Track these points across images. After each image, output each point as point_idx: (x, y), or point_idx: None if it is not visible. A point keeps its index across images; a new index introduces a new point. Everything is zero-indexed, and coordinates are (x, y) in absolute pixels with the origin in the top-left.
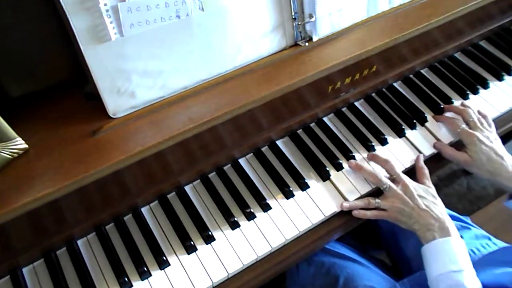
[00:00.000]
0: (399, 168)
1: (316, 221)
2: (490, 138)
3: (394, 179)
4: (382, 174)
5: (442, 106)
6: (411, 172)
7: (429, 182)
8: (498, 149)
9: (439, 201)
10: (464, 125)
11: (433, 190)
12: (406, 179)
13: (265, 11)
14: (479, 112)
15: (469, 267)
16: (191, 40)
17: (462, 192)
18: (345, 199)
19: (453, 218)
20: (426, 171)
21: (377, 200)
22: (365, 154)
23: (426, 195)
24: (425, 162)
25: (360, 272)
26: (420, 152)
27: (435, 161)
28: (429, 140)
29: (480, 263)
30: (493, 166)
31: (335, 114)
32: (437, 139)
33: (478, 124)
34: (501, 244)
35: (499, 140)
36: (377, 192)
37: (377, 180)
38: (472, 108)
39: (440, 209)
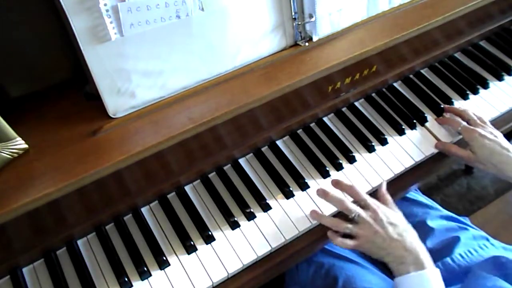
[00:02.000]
0: (399, 168)
1: (316, 221)
2: (493, 132)
3: (362, 205)
4: (349, 201)
5: (442, 106)
6: (412, 172)
7: (395, 207)
8: (502, 142)
9: (409, 226)
10: (464, 123)
11: (401, 215)
12: (375, 204)
13: (265, 11)
14: (475, 114)
15: None
16: (191, 40)
17: (462, 192)
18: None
19: (451, 218)
20: (389, 197)
21: (348, 225)
22: (365, 154)
23: (397, 222)
24: (425, 161)
25: (360, 274)
26: (421, 151)
27: (435, 160)
28: (429, 140)
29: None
30: (498, 159)
31: (335, 114)
32: (437, 139)
33: (478, 121)
34: (499, 244)
35: (501, 135)
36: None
37: (344, 207)
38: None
39: (412, 237)
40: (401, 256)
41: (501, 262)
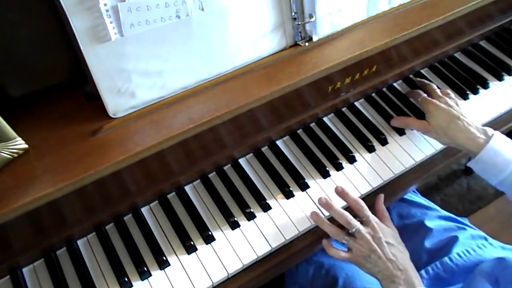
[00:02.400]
0: (399, 168)
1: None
2: (449, 102)
3: (363, 221)
4: (351, 216)
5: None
6: (411, 172)
7: (391, 224)
8: (454, 110)
9: (403, 247)
10: (424, 95)
11: (397, 233)
12: (375, 222)
13: (265, 11)
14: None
15: None
16: (191, 40)
17: (462, 192)
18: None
19: (449, 219)
20: (387, 213)
21: (346, 237)
22: (365, 154)
23: (394, 242)
24: (425, 161)
25: (360, 274)
26: (421, 151)
27: (435, 160)
28: (430, 139)
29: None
30: (449, 128)
31: (335, 114)
32: None
33: (439, 92)
34: (497, 244)
35: (459, 104)
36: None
37: (346, 222)
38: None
39: (405, 258)
40: (393, 275)
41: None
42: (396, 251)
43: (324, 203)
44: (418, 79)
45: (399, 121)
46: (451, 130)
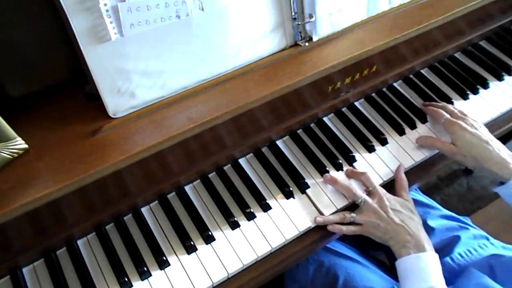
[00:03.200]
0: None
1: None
2: (474, 125)
3: (370, 191)
4: (357, 187)
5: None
6: (412, 172)
7: (407, 195)
8: (483, 134)
9: (416, 215)
10: (447, 115)
11: (410, 203)
12: (381, 192)
13: (265, 11)
14: (455, 108)
15: (441, 283)
16: (191, 40)
17: (462, 192)
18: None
19: (451, 218)
20: (405, 183)
21: (352, 215)
22: (365, 154)
23: (402, 209)
24: (425, 161)
25: (360, 272)
26: (421, 151)
27: (435, 160)
28: None
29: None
30: (478, 152)
31: (335, 114)
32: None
33: (460, 114)
34: (499, 244)
35: (484, 127)
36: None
37: (351, 194)
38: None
39: (415, 224)
40: (403, 240)
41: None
42: (405, 218)
43: (330, 179)
44: (429, 102)
45: (424, 140)
46: (480, 154)
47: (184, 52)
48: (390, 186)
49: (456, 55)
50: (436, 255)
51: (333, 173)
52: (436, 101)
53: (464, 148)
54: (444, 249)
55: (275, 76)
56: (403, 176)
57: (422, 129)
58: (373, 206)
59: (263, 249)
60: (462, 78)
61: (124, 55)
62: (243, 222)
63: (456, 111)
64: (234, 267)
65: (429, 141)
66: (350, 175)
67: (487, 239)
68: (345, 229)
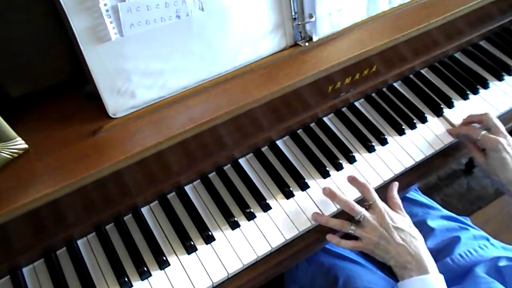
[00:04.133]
0: (399, 168)
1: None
2: (511, 144)
3: (370, 205)
4: (355, 203)
5: (442, 106)
6: (412, 172)
7: (403, 212)
8: None
9: (417, 233)
10: (483, 132)
11: (408, 220)
12: (382, 207)
13: (265, 11)
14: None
15: None
16: (191, 40)
17: (462, 192)
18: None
19: (451, 218)
20: (399, 200)
21: (352, 227)
22: (365, 154)
23: (404, 227)
24: (425, 161)
25: (360, 273)
26: (421, 151)
27: (435, 160)
28: (430, 139)
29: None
30: (505, 174)
31: (335, 114)
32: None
33: (500, 129)
34: (499, 244)
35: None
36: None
37: (350, 209)
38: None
39: (417, 243)
40: (405, 261)
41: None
42: (407, 236)
43: (328, 192)
44: (468, 116)
45: (458, 131)
46: (505, 178)
47: (184, 52)
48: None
49: (456, 55)
50: (441, 276)
51: (333, 173)
52: (436, 101)
53: (494, 167)
54: (444, 249)
55: (275, 76)
56: (396, 195)
57: (422, 129)
58: (373, 223)
59: (263, 249)
60: (462, 78)
61: (124, 55)
62: (243, 222)
63: (497, 123)
64: (234, 267)
65: (468, 146)
66: (351, 181)
67: (487, 239)
68: (343, 242)
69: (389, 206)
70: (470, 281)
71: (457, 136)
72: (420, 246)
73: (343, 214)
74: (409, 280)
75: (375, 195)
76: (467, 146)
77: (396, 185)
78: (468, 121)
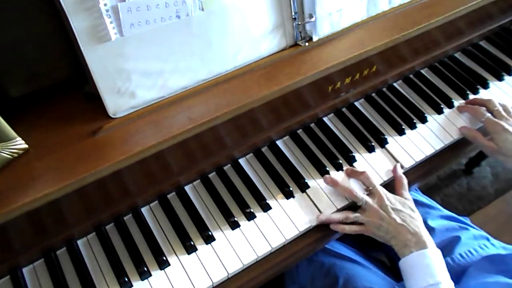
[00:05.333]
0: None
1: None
2: None
3: (370, 191)
4: (358, 188)
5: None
6: (412, 172)
7: (406, 193)
8: None
9: (416, 213)
10: (488, 114)
11: (410, 202)
12: (382, 191)
13: (265, 11)
14: (499, 103)
15: (447, 278)
16: (191, 40)
17: (462, 192)
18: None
19: (451, 218)
20: (405, 181)
21: (356, 215)
22: (365, 154)
23: (403, 208)
24: (425, 161)
25: (360, 273)
26: (421, 151)
27: (435, 160)
28: (430, 139)
29: (474, 268)
30: None
31: (335, 114)
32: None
33: (503, 113)
34: (499, 244)
35: None
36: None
37: (352, 196)
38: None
39: (417, 223)
40: (405, 239)
41: (499, 258)
42: (406, 217)
43: (330, 181)
44: (473, 99)
45: (468, 131)
46: None
47: (184, 52)
48: (392, 186)
49: (456, 55)
50: (439, 251)
51: (333, 173)
52: (437, 102)
53: (506, 148)
54: (444, 249)
55: (275, 76)
56: (401, 174)
57: (422, 129)
58: (374, 206)
59: (263, 249)
60: (462, 78)
61: (124, 55)
62: (243, 222)
63: (500, 108)
64: (234, 267)
65: (472, 133)
66: (350, 174)
67: (487, 239)
68: (348, 228)
69: (395, 187)
70: (469, 279)
71: (468, 134)
72: (419, 225)
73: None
74: (410, 256)
75: (374, 181)
76: (474, 141)
77: (399, 165)
78: (473, 103)
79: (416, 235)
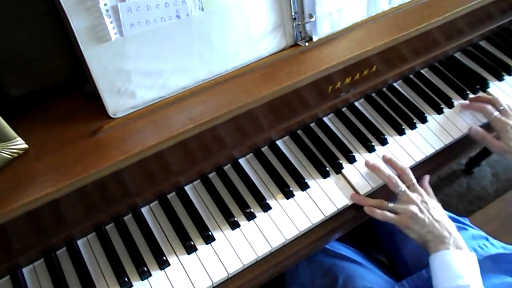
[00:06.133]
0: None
1: (316, 221)
2: None
3: (408, 186)
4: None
5: (442, 106)
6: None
7: (437, 201)
8: None
9: (449, 220)
10: (496, 113)
11: (441, 207)
12: (421, 190)
13: (265, 11)
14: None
15: (477, 282)
16: (191, 40)
17: (462, 192)
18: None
19: (451, 219)
20: (431, 190)
21: (390, 204)
22: (365, 154)
23: (439, 209)
24: (425, 161)
25: (360, 273)
26: (421, 151)
27: (435, 160)
28: (430, 139)
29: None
30: None
31: (335, 114)
32: (439, 139)
33: (510, 111)
34: (498, 244)
35: None
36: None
37: (393, 182)
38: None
39: (452, 225)
40: (443, 236)
41: (502, 257)
42: (442, 218)
43: (371, 165)
44: (477, 96)
45: (476, 132)
46: None
47: (184, 52)
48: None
49: (456, 55)
50: (473, 255)
51: (333, 173)
52: (437, 102)
53: None
54: None
55: (275, 76)
56: (428, 185)
57: (422, 129)
58: (412, 197)
59: (263, 249)
60: (462, 78)
61: (124, 55)
62: (243, 222)
63: (506, 108)
64: (234, 267)
65: (481, 134)
66: (388, 162)
67: (487, 239)
68: (379, 213)
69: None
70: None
71: (477, 135)
72: (454, 228)
73: (345, 215)
74: (446, 251)
75: (414, 179)
76: (483, 141)
77: (427, 177)
78: (478, 100)
79: (453, 235)
